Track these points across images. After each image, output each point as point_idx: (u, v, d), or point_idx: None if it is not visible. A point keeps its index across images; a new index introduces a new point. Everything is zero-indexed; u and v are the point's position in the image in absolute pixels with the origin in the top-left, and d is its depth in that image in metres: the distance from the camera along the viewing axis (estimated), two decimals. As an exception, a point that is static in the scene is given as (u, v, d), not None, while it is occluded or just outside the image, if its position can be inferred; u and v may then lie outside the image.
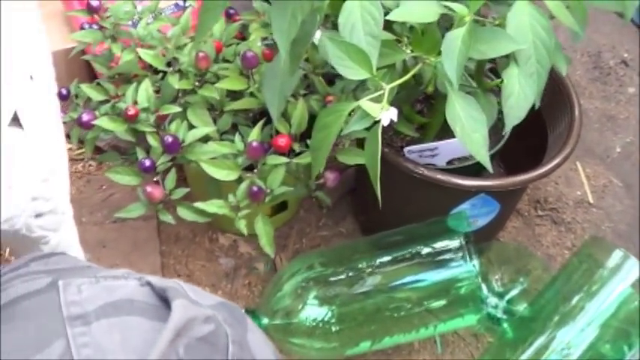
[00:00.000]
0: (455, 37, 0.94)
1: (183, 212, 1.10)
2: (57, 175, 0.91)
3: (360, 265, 1.21)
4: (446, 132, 1.21)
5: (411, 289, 1.20)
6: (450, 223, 1.22)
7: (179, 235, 1.38)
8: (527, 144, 1.27)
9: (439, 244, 1.21)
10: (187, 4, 1.27)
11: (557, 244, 1.41)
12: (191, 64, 1.11)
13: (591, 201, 1.48)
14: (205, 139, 1.10)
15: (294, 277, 1.21)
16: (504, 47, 0.97)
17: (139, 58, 1.14)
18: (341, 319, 1.18)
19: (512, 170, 1.11)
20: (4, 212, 0.82)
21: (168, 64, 1.12)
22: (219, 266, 1.36)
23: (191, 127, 1.10)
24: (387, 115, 0.93)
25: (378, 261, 1.22)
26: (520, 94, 0.98)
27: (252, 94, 1.14)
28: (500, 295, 1.25)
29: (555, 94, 1.27)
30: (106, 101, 1.14)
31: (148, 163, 1.08)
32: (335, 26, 1.02)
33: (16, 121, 0.81)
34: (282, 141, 1.08)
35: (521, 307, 1.23)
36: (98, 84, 1.15)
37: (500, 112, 1.01)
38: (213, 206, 1.07)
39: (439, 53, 0.98)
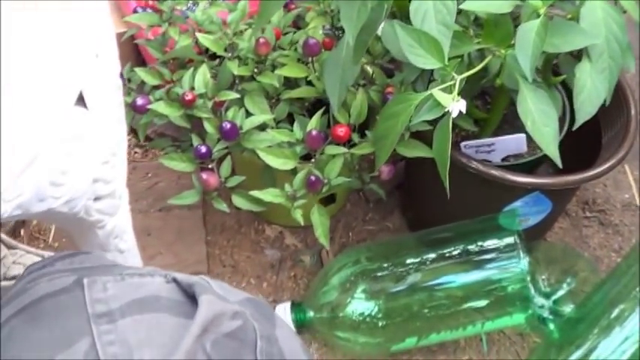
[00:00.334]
0: (529, 29, 0.90)
1: (238, 201, 1.06)
2: (118, 157, 0.87)
3: (406, 261, 1.18)
4: (500, 128, 1.17)
5: (457, 286, 1.17)
6: (501, 220, 1.18)
7: (225, 226, 1.35)
8: (578, 144, 1.23)
9: (489, 242, 1.19)
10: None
11: (605, 246, 1.37)
12: (250, 50, 1.07)
13: (639, 204, 1.43)
14: (261, 127, 1.05)
15: (341, 272, 1.18)
16: (578, 41, 0.93)
17: (195, 43, 1.10)
18: (387, 314, 1.15)
19: (560, 171, 1.07)
20: (65, 193, 0.77)
21: (226, 50, 1.08)
22: (264, 257, 1.32)
23: (248, 114, 1.05)
24: (457, 106, 0.89)
25: (425, 257, 1.19)
26: (592, 90, 0.94)
27: (309, 83, 1.10)
28: (547, 296, 1.21)
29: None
30: (159, 86, 1.10)
31: (204, 149, 1.04)
32: (394, 16, 1.00)
33: (81, 100, 0.77)
34: (341, 131, 1.04)
35: (568, 308, 1.19)
36: (153, 68, 1.10)
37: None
38: (269, 195, 1.04)
39: (509, 46, 0.93)
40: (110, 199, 0.89)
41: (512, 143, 1.14)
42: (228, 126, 1.02)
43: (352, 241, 1.35)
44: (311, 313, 1.19)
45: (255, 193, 1.04)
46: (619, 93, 1.23)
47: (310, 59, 1.08)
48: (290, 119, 1.11)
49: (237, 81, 1.09)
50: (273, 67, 1.10)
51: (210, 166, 1.05)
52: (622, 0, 0.95)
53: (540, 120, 0.92)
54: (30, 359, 0.62)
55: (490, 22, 0.95)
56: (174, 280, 0.68)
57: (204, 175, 1.04)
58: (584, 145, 1.25)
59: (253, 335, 0.64)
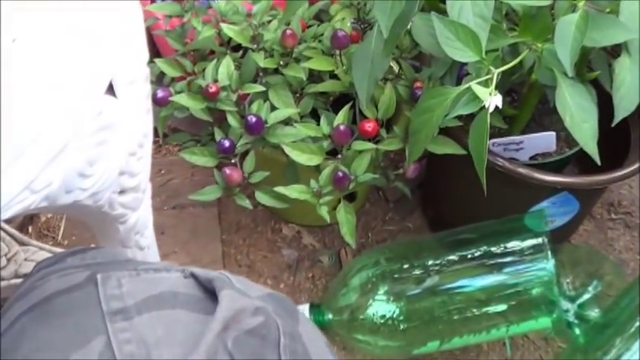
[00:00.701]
0: (569, 23, 0.89)
1: (262, 197, 1.05)
2: (144, 149, 0.86)
3: (427, 263, 1.18)
4: (527, 126, 1.17)
5: (480, 288, 1.17)
6: (527, 221, 1.18)
7: (240, 224, 1.34)
8: (605, 144, 1.22)
9: (513, 244, 1.18)
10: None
11: (630, 249, 1.37)
12: (276, 41, 1.05)
13: (666, 206, 1.44)
14: (284, 122, 1.05)
15: (361, 273, 1.18)
16: (617, 36, 0.92)
17: (217, 34, 1.09)
18: (408, 316, 1.14)
19: (586, 171, 1.07)
20: (92, 185, 0.77)
21: (250, 42, 1.07)
22: (281, 257, 1.31)
23: (272, 108, 1.04)
24: (494, 100, 0.89)
25: (447, 259, 1.18)
26: (631, 86, 0.94)
27: (334, 77, 1.09)
28: (572, 299, 1.21)
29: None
30: (179, 79, 1.09)
31: (227, 143, 1.03)
32: (422, 10, 0.99)
33: (110, 90, 0.76)
34: (369, 126, 1.03)
35: (593, 313, 1.19)
36: (173, 60, 1.09)
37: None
38: (294, 191, 1.03)
39: (546, 40, 0.93)
40: (134, 192, 0.88)
41: (541, 141, 1.14)
42: (254, 119, 1.01)
43: (372, 242, 1.35)
44: (330, 316, 1.18)
45: (280, 189, 1.03)
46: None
47: (338, 52, 1.07)
48: (312, 114, 1.10)
49: (260, 74, 1.08)
50: (297, 61, 1.09)
51: (232, 161, 1.04)
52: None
53: (579, 116, 0.91)
54: (42, 359, 0.61)
55: (527, 15, 0.94)
56: (192, 275, 0.66)
57: (227, 170, 1.03)
58: (611, 144, 1.25)
59: (276, 332, 0.63)
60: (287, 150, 1.02)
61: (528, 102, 1.10)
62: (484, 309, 1.16)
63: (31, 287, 0.69)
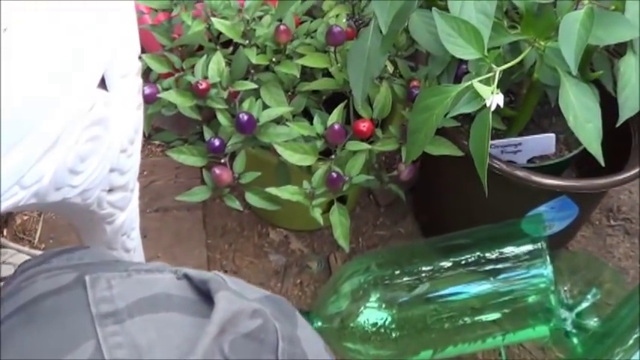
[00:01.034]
0: (574, 20, 0.91)
1: (252, 198, 1.06)
2: (134, 146, 0.87)
3: (420, 269, 1.18)
4: (525, 128, 1.18)
5: (475, 296, 1.18)
6: (524, 226, 1.19)
7: (226, 228, 1.35)
8: (605, 147, 1.24)
9: (509, 249, 1.19)
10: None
11: (630, 256, 1.38)
12: (269, 37, 1.06)
13: (667, 212, 1.46)
14: (276, 120, 1.05)
15: (352, 279, 1.19)
16: (623, 34, 0.94)
17: (206, 29, 1.10)
18: (401, 324, 1.15)
19: (585, 175, 1.08)
20: (82, 182, 0.77)
21: (242, 37, 1.08)
22: (268, 263, 1.32)
23: (264, 106, 1.05)
24: (496, 99, 0.90)
25: (440, 265, 1.19)
26: (637, 85, 0.95)
27: (326, 75, 1.10)
28: (570, 308, 1.22)
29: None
30: (166, 75, 1.10)
31: (217, 142, 1.04)
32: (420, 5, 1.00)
33: (102, 84, 0.77)
34: (364, 126, 1.05)
35: (592, 322, 1.20)
36: (161, 55, 1.10)
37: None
38: (286, 192, 1.04)
39: (549, 37, 0.94)
40: (123, 191, 0.89)
41: (540, 143, 1.15)
42: (246, 118, 1.02)
43: (362, 247, 1.36)
44: (319, 323, 1.19)
45: (272, 190, 1.03)
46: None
47: (333, 49, 1.08)
48: (303, 114, 1.11)
49: (252, 71, 1.09)
50: (290, 58, 1.10)
51: (222, 161, 1.05)
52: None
53: (582, 115, 0.93)
54: None
55: (530, 12, 0.96)
56: (186, 276, 0.66)
57: (217, 170, 1.04)
58: (610, 147, 1.26)
59: (274, 335, 0.62)
60: (279, 150, 1.03)
61: (528, 102, 1.11)
62: (479, 317, 1.17)
63: (17, 288, 0.69)
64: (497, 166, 1.11)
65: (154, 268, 0.68)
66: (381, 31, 0.96)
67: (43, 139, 0.70)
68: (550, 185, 1.12)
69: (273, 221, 1.36)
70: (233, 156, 1.06)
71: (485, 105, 0.90)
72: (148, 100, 1.06)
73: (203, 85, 1.03)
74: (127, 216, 0.94)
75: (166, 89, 1.07)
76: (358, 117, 1.07)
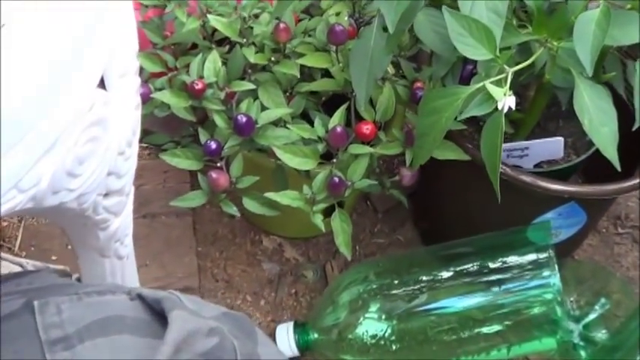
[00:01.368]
0: (589, 20, 0.91)
1: (250, 204, 1.06)
2: (132, 148, 0.88)
3: (420, 278, 1.19)
4: (531, 132, 1.19)
5: (477, 306, 1.18)
6: (530, 233, 1.20)
7: (217, 235, 1.35)
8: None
9: (514, 258, 1.19)
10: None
11: (639, 265, 1.38)
12: (267, 36, 1.07)
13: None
14: (274, 122, 1.06)
15: (350, 289, 1.19)
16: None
17: (201, 26, 1.10)
18: (401, 336, 1.16)
19: (592, 181, 1.09)
20: (80, 185, 0.78)
21: (239, 35, 1.08)
22: (262, 272, 1.32)
23: (262, 108, 1.05)
24: (508, 101, 0.91)
25: (441, 274, 1.20)
26: (654, 87, 0.96)
27: (326, 75, 1.11)
28: (577, 319, 1.22)
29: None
30: (159, 74, 1.10)
31: (214, 145, 1.04)
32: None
33: (102, 84, 0.78)
34: (366, 128, 1.05)
35: (600, 334, 1.20)
36: (153, 54, 1.10)
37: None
38: (286, 197, 1.04)
39: (561, 38, 0.95)
40: (119, 195, 0.90)
41: (548, 148, 1.16)
42: (244, 119, 1.02)
43: (359, 256, 1.36)
44: (315, 335, 1.20)
45: (271, 195, 1.03)
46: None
47: (334, 49, 1.08)
48: (301, 116, 1.12)
49: (249, 71, 1.09)
50: (288, 57, 1.10)
51: (218, 165, 1.05)
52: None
53: (598, 119, 0.93)
54: None
55: (542, 11, 0.96)
56: (140, 297, 0.66)
57: (213, 175, 1.04)
58: (620, 152, 1.28)
59: (232, 354, 0.63)
60: (278, 153, 1.03)
61: (537, 105, 1.12)
62: (481, 329, 1.18)
63: None
64: (502, 170, 1.11)
65: (106, 290, 0.68)
66: (384, 30, 0.97)
67: (42, 140, 0.70)
68: (559, 191, 1.13)
69: (267, 228, 1.36)
70: (227, 160, 1.06)
71: (496, 108, 0.91)
72: (141, 100, 1.06)
73: (199, 86, 1.03)
74: (121, 222, 0.94)
75: (159, 89, 1.07)
76: (359, 119, 1.07)
